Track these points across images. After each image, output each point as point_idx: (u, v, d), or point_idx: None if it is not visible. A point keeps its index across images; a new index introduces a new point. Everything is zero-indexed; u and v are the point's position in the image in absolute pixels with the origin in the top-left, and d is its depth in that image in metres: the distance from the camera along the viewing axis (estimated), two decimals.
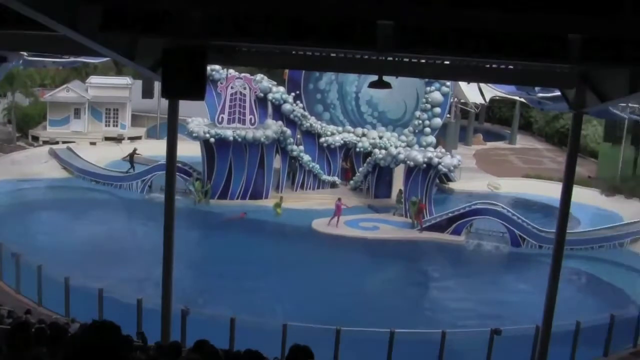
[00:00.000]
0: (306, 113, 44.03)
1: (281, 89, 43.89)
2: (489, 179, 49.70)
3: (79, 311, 20.54)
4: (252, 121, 41.74)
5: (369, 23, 7.88)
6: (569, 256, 26.68)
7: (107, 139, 55.10)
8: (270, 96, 43.16)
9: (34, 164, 46.12)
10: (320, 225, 37.65)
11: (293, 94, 43.94)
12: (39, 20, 6.75)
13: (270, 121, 42.39)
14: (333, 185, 44.72)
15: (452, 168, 41.29)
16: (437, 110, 43.51)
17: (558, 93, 18.18)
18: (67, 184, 43.95)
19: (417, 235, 37.13)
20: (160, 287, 15.17)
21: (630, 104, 40.08)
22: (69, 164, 46.49)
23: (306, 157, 43.46)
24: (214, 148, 40.56)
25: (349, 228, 37.54)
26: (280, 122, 42.40)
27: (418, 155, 38.82)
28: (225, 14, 8.71)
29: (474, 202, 37.86)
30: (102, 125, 56.28)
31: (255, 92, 42.38)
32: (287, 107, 43.22)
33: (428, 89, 42.99)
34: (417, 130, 43.85)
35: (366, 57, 12.59)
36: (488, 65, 13.05)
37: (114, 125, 56.53)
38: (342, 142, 44.46)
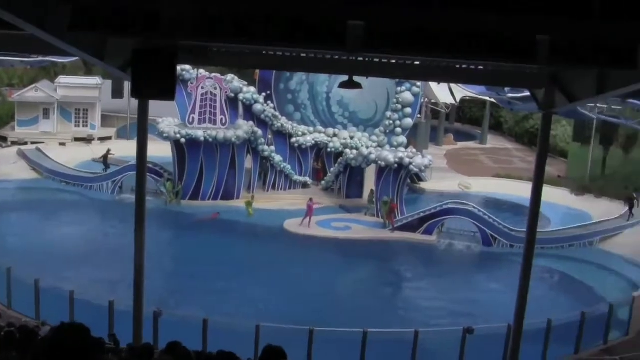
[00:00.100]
0: (277, 113, 43.99)
1: (252, 89, 43.80)
2: (460, 178, 49.98)
3: (50, 314, 20.30)
4: (223, 121, 41.60)
5: (339, 23, 7.87)
6: (540, 255, 26.93)
7: (76, 139, 54.67)
8: (241, 96, 43.05)
9: (2, 165, 45.68)
10: (292, 225, 37.63)
11: (264, 94, 43.88)
12: (5, 19, 6.67)
13: (241, 121, 42.30)
14: (304, 185, 44.71)
15: (423, 168, 41.47)
16: (408, 110, 43.65)
17: (527, 93, 18.32)
18: (37, 185, 43.55)
19: (389, 235, 37.21)
20: (132, 288, 15.08)
21: (598, 105, 40.49)
22: (38, 165, 46.06)
23: (277, 158, 43.41)
24: (184, 148, 40.39)
25: (320, 228, 37.55)
26: (251, 123, 42.33)
27: (389, 156, 38.92)
28: (195, 14, 8.67)
29: (445, 202, 38.03)
30: (72, 125, 55.85)
31: (226, 92, 42.24)
32: (258, 107, 43.15)
33: (399, 89, 43.11)
34: (388, 131, 43.96)
35: (337, 57, 12.59)
36: (458, 66, 13.10)
37: (83, 126, 56.10)
38: (313, 142, 44.46)
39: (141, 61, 9.50)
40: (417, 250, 35.80)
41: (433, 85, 50.56)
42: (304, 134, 44.50)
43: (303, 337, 20.27)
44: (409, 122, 44.08)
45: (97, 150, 51.44)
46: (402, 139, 43.87)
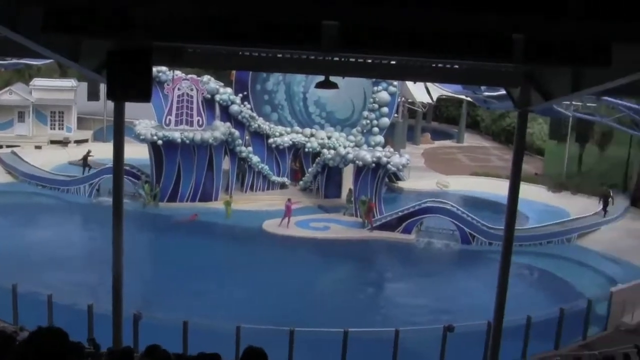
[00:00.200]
0: (254, 114, 43.94)
1: (228, 90, 43.71)
2: (437, 177, 50.20)
3: (28, 319, 20.14)
4: (200, 123, 41.47)
5: (314, 23, 7.86)
6: (518, 252, 27.10)
7: (52, 142, 54.32)
8: (217, 97, 42.95)
9: None
10: (270, 226, 37.59)
11: (240, 95, 43.80)
12: None
13: (218, 122, 42.20)
14: (283, 186, 44.69)
15: (400, 167, 41.59)
16: (385, 109, 43.74)
17: (503, 92, 18.42)
18: (12, 189, 43.21)
19: (368, 235, 37.27)
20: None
21: (574, 102, 40.76)
22: (14, 169, 45.70)
23: (255, 158, 43.35)
24: (162, 150, 40.23)
25: (299, 228, 37.54)
26: (228, 124, 42.23)
27: (367, 155, 38.98)
28: (170, 15, 8.63)
29: (423, 201, 38.16)
30: (48, 128, 55.45)
31: (203, 93, 42.11)
32: (234, 108, 43.06)
33: (375, 88, 43.18)
34: (365, 130, 44.03)
35: (312, 57, 12.58)
36: (434, 65, 13.13)
37: (59, 129, 55.72)
38: (290, 142, 44.45)
39: (116, 63, 9.44)
40: (396, 249, 35.88)
41: (409, 84, 50.67)
42: (281, 135, 44.48)
43: (284, 338, 20.27)
44: (385, 121, 44.17)
45: (73, 153, 51.14)
46: (380, 138, 43.96)
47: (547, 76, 12.42)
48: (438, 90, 58.96)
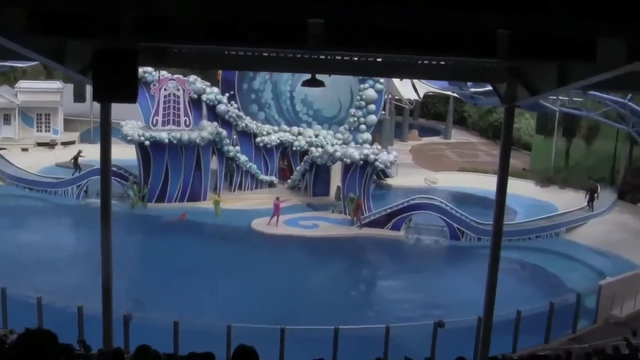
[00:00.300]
0: (241, 113, 43.87)
1: (215, 89, 43.65)
2: (425, 173, 50.23)
3: (18, 322, 20.06)
4: (187, 123, 41.37)
5: (300, 22, 7.87)
6: (507, 247, 27.12)
7: (39, 144, 53.99)
8: (204, 97, 42.89)
9: None
10: (259, 225, 37.57)
11: (227, 94, 43.74)
12: None
13: (205, 122, 42.11)
14: (271, 184, 44.64)
15: (388, 164, 41.61)
16: (372, 107, 43.79)
17: (490, 88, 18.48)
18: None
19: (357, 232, 37.29)
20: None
21: (560, 97, 40.90)
22: (0, 172, 45.44)
23: (243, 158, 43.29)
24: (149, 151, 40.13)
25: (288, 227, 37.52)
26: (215, 123, 42.15)
27: (354, 153, 39.00)
28: (155, 15, 8.61)
29: (412, 197, 38.20)
30: (34, 130, 55.14)
31: (189, 93, 42.01)
32: (221, 107, 43.00)
33: (362, 86, 43.23)
34: (352, 128, 44.07)
35: (299, 55, 12.59)
36: (420, 62, 13.16)
37: (46, 131, 55.44)
38: (278, 141, 44.41)
39: (102, 64, 9.42)
40: (386, 246, 35.92)
41: (396, 81, 50.81)
42: (268, 133, 44.44)
43: (275, 336, 20.29)
44: (373, 118, 44.23)
45: (60, 155, 50.92)
46: (367, 135, 44.01)
47: (533, 71, 12.47)
48: (425, 87, 59.01)
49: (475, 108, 68.76)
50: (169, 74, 42.17)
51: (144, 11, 8.53)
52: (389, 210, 37.61)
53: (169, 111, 41.27)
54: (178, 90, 41.60)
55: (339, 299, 28.70)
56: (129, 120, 41.00)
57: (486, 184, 39.57)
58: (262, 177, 44.28)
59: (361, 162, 38.66)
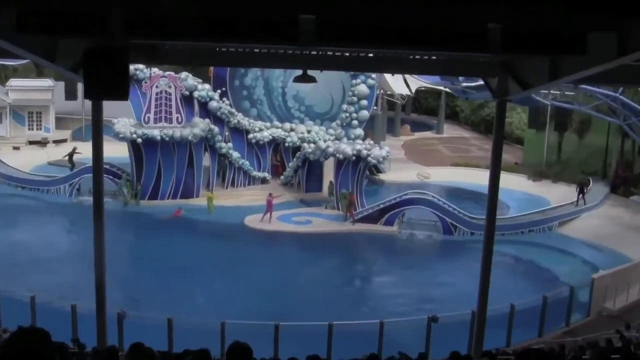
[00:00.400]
0: (233, 110, 43.81)
1: (207, 86, 43.57)
2: (418, 168, 50.25)
3: (11, 321, 20.02)
4: (179, 120, 41.31)
5: (291, 18, 7.86)
6: (500, 241, 27.19)
7: (31, 142, 53.77)
8: (196, 94, 42.82)
9: None
10: (252, 221, 37.54)
11: (219, 91, 43.66)
12: None
13: (197, 119, 42.04)
14: (264, 181, 44.60)
15: (381, 159, 41.59)
16: (364, 102, 43.78)
17: (482, 82, 18.49)
18: None
19: (350, 228, 37.30)
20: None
21: (552, 91, 40.97)
22: None
23: (235, 154, 43.25)
24: (141, 148, 40.06)
25: (282, 223, 37.52)
26: (207, 120, 42.09)
27: (347, 148, 39.00)
28: (146, 13, 8.60)
29: (404, 193, 38.21)
30: (25, 129, 55.00)
31: (181, 90, 41.94)
32: (213, 104, 42.94)
33: (354, 81, 43.21)
34: (344, 123, 44.05)
35: (290, 51, 12.59)
36: (412, 57, 13.18)
37: (37, 129, 55.28)
38: (270, 137, 44.38)
39: (93, 62, 9.38)
40: (379, 241, 35.94)
41: (388, 76, 50.76)
42: (261, 130, 44.40)
43: (269, 332, 20.31)
44: (365, 114, 44.21)
45: (52, 153, 50.81)
46: (359, 131, 44.01)
47: (525, 66, 12.49)
48: (417, 82, 58.97)
49: (467, 103, 68.80)
50: (161, 71, 42.06)
51: (135, 8, 8.52)
52: (381, 206, 37.63)
53: (161, 108, 41.20)
54: (170, 87, 41.52)
55: (332, 295, 28.72)
56: (121, 117, 40.89)
57: (479, 178, 39.59)
58: (255, 173, 44.25)
59: (354, 157, 38.66)
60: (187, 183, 41.16)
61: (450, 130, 70.43)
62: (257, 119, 44.98)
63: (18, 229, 35.49)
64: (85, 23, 8.32)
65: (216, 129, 42.14)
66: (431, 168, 50.27)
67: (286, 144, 44.47)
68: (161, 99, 41.27)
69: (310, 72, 14.97)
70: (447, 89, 57.40)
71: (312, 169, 42.97)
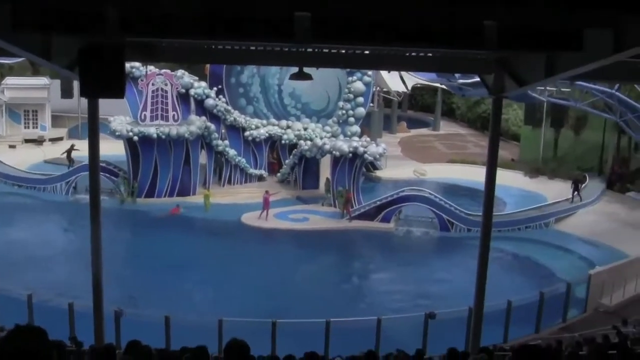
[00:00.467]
0: (229, 107, 43.78)
1: (203, 84, 43.55)
2: (414, 165, 50.30)
3: (8, 319, 19.97)
4: (175, 117, 41.29)
5: (287, 15, 7.86)
6: (497, 238, 27.18)
7: (27, 141, 53.68)
8: (192, 91, 42.78)
9: None
10: (249, 219, 37.55)
11: (215, 88, 43.64)
12: None
13: (193, 117, 42.04)
14: (260, 178, 44.61)
15: (377, 156, 41.62)
16: (360, 99, 43.76)
17: (478, 79, 18.48)
18: None
19: (347, 225, 37.32)
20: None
21: (548, 87, 40.97)
22: None
23: (232, 152, 43.23)
24: (138, 146, 40.04)
25: (278, 220, 37.53)
26: (203, 118, 42.09)
27: (343, 145, 39.00)
28: (142, 10, 8.59)
29: (401, 189, 38.22)
30: (21, 127, 54.91)
31: (177, 88, 41.90)
32: (209, 102, 42.91)
33: (350, 79, 43.18)
34: (341, 121, 44.03)
35: (286, 49, 12.58)
36: (408, 54, 13.17)
37: (33, 127, 55.19)
38: (267, 135, 44.37)
39: (88, 59, 9.36)
40: (376, 238, 35.95)
41: (384, 73, 50.82)
42: (257, 127, 44.38)
43: (266, 330, 20.32)
44: (361, 111, 44.21)
45: (48, 151, 50.75)
46: (356, 128, 44.00)
47: (521, 62, 12.50)
48: (413, 79, 59.05)
49: (464, 99, 68.85)
50: (157, 69, 42.03)
51: (131, 5, 8.51)
52: (378, 203, 37.65)
53: (157, 106, 41.17)
54: (166, 85, 41.49)
55: (330, 292, 28.74)
56: (117, 115, 40.89)
57: (475, 175, 39.65)
58: (252, 171, 44.26)
59: (350, 154, 38.68)
60: (183, 181, 41.14)
61: (446, 127, 70.46)
62: (254, 117, 44.97)
63: (15, 228, 35.42)
64: (81, 21, 8.31)
65: (212, 127, 42.12)
66: (428, 165, 50.32)
67: (282, 142, 44.47)
68: (157, 97, 41.23)
69: (306, 70, 14.97)
70: (443, 86, 57.46)
71: (308, 166, 42.98)
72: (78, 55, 9.49)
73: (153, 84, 41.20)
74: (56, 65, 11.17)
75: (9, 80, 55.55)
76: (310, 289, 28.94)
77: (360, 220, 37.49)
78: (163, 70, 42.28)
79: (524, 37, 8.60)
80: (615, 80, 27.03)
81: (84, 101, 15.80)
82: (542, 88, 40.37)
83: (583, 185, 41.42)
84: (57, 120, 57.22)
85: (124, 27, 8.45)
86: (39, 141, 53.78)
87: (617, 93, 36.21)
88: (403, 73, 54.39)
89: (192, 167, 41.36)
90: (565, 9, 6.83)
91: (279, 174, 44.41)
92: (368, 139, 42.31)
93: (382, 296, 28.73)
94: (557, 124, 47.73)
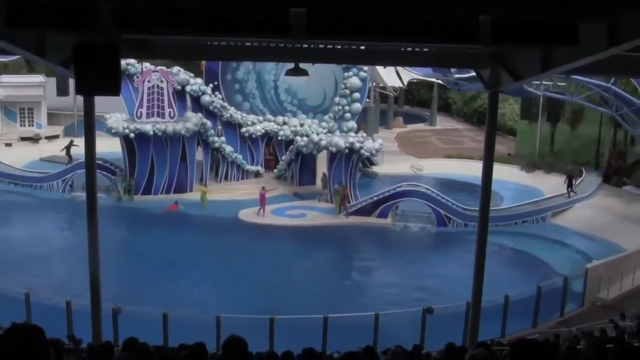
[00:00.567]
0: (226, 104, 43.76)
1: (199, 80, 43.51)
2: (411, 161, 50.32)
3: (6, 318, 19.92)
4: (172, 114, 41.23)
5: (282, 11, 7.85)
6: (494, 232, 27.31)
7: (23, 139, 53.60)
8: (188, 88, 42.75)
9: None
10: (246, 215, 37.54)
11: (211, 85, 43.61)
12: None
13: (189, 113, 42.00)
14: (257, 174, 44.59)
15: (374, 152, 41.61)
16: (356, 95, 43.77)
17: (474, 74, 18.47)
18: None
19: (344, 221, 37.31)
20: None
21: (544, 82, 41.02)
22: None
23: (228, 148, 43.21)
24: (134, 143, 39.99)
25: (275, 217, 37.53)
26: (200, 114, 42.05)
27: (340, 141, 38.97)
28: (137, 7, 8.57)
29: (398, 185, 38.23)
30: (17, 125, 54.75)
31: (173, 84, 41.84)
32: (206, 98, 42.88)
33: (346, 74, 43.19)
34: (337, 116, 44.04)
35: (282, 45, 12.57)
36: (403, 49, 13.16)
37: (29, 125, 55.01)
38: (263, 131, 44.34)
39: (84, 57, 9.34)
40: (373, 233, 35.98)
41: (380, 69, 50.72)
42: (253, 124, 44.36)
43: (264, 326, 20.32)
44: (357, 107, 44.21)
45: (44, 149, 50.70)
46: (352, 124, 44.01)
47: (516, 57, 12.49)
48: (409, 74, 58.99)
49: (460, 94, 68.83)
50: (152, 66, 41.97)
51: (126, 2, 8.49)
52: (375, 198, 37.65)
53: (153, 103, 41.10)
54: (162, 81, 41.42)
55: (327, 288, 28.76)
56: (113, 113, 40.82)
57: (472, 170, 39.60)
58: (248, 167, 44.24)
59: (347, 150, 38.65)
60: (180, 178, 41.12)
61: (443, 122, 70.48)
62: (250, 113, 44.96)
63: (11, 226, 35.36)
64: (76, 17, 8.29)
65: (209, 123, 42.10)
66: (424, 160, 50.34)
67: (279, 138, 44.45)
68: (153, 94, 41.17)
69: (302, 65, 14.96)
70: (439, 81, 57.43)
71: (305, 162, 42.99)
72: (73, 52, 9.47)
73: (149, 81, 41.14)
74: (51, 63, 11.14)
75: (4, 78, 55.34)
76: (307, 284, 28.94)
77: (357, 216, 37.48)
78: (159, 67, 42.24)
79: (519, 32, 8.60)
80: (611, 74, 27.04)
81: (80, 99, 15.79)
82: (538, 82, 40.42)
83: (577, 180, 41.47)
84: (53, 118, 57.07)
85: (119, 24, 8.43)
86: (35, 139, 53.69)
87: (613, 87, 36.25)
88: (399, 68, 54.28)
89: (188, 163, 41.34)
90: (559, 3, 6.83)
91: (275, 170, 44.40)
92: (364, 134, 42.28)
93: (380, 291, 28.75)
94: (553, 118, 47.95)
